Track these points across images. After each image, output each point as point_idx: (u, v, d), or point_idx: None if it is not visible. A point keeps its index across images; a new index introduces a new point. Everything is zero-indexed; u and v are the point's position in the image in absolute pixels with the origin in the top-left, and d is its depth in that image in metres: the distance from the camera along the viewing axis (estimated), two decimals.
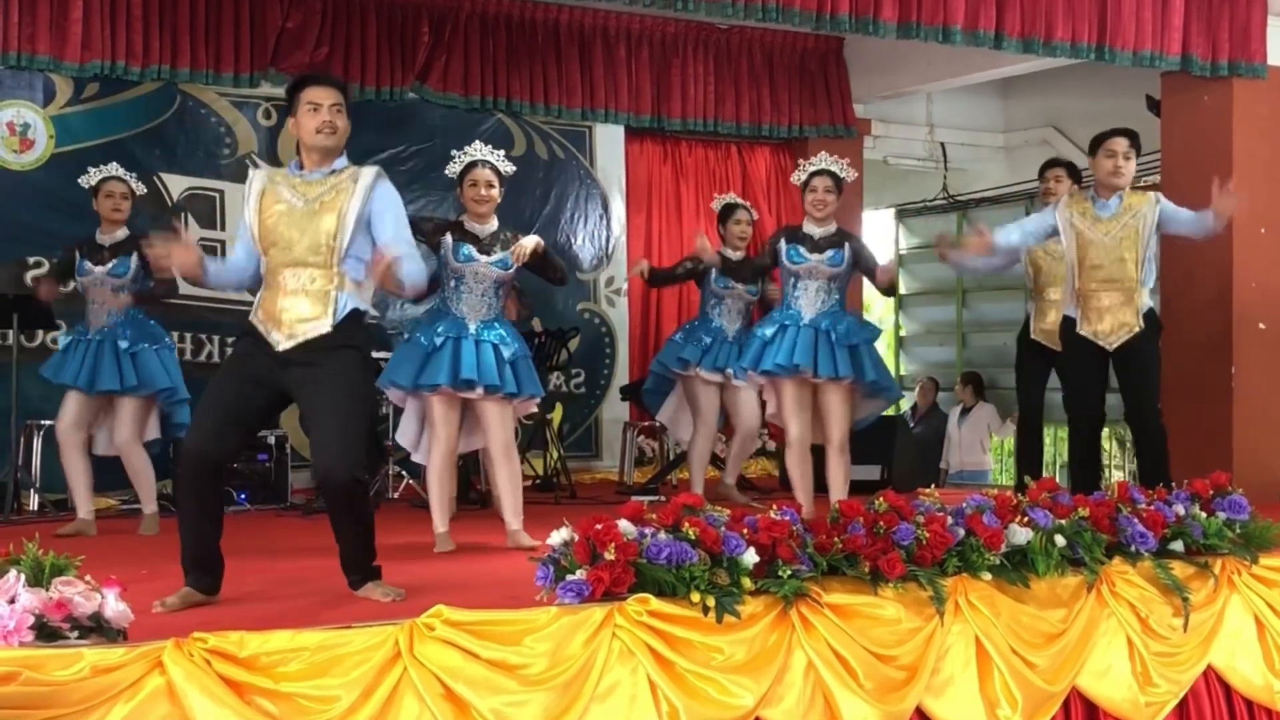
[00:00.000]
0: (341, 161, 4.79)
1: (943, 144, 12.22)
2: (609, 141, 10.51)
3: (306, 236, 4.66)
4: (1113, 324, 6.51)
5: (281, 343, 4.62)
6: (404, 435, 6.43)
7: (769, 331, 6.60)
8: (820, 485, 6.78)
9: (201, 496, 4.61)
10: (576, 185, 10.38)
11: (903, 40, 7.65)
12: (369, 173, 4.78)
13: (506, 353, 6.06)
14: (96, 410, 6.91)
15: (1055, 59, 8.43)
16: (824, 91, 10.83)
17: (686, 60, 10.37)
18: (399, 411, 6.70)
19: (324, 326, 4.62)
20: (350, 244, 4.68)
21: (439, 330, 6.05)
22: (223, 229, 9.05)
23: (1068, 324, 6.65)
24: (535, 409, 6.62)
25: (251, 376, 4.67)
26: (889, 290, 6.99)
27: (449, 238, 6.10)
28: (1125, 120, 6.85)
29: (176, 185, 8.95)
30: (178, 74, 8.71)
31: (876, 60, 10.59)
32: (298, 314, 4.64)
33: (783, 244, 6.67)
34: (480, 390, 6.01)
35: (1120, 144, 6.55)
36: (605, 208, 10.50)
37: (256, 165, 4.66)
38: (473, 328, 6.05)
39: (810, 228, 6.67)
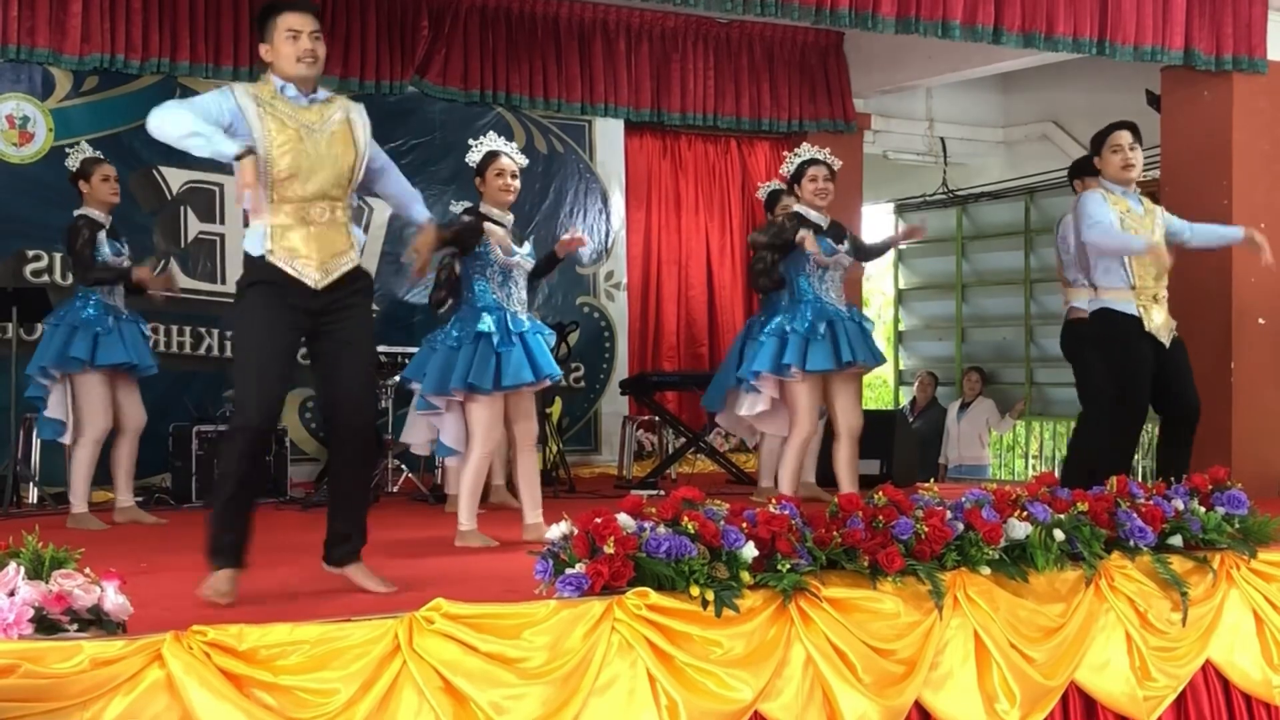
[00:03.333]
0: (324, 91, 4.67)
1: (942, 139, 12.22)
2: (608, 136, 10.49)
3: (327, 167, 4.52)
4: (1163, 319, 6.49)
5: (320, 280, 4.50)
6: (453, 438, 6.10)
7: (821, 328, 6.54)
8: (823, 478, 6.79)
9: (260, 470, 4.65)
10: (576, 179, 10.37)
11: (902, 35, 7.65)
12: (358, 106, 4.71)
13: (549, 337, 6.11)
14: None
15: (1055, 54, 8.42)
16: (824, 86, 10.82)
17: (686, 54, 10.37)
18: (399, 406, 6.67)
19: (354, 258, 4.58)
20: (361, 176, 4.65)
21: (491, 328, 5.94)
22: (222, 223, 9.03)
23: (1131, 321, 6.44)
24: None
25: (290, 325, 4.50)
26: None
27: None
28: (1125, 115, 6.84)
29: (176, 179, 8.93)
30: (177, 67, 8.70)
31: (876, 55, 10.58)
32: (332, 248, 4.53)
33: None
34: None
35: (1125, 136, 6.51)
36: (605, 202, 10.49)
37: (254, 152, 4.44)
38: (524, 321, 6.02)
39: (817, 218, 6.68)
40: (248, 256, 4.54)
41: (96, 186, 6.94)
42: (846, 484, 6.58)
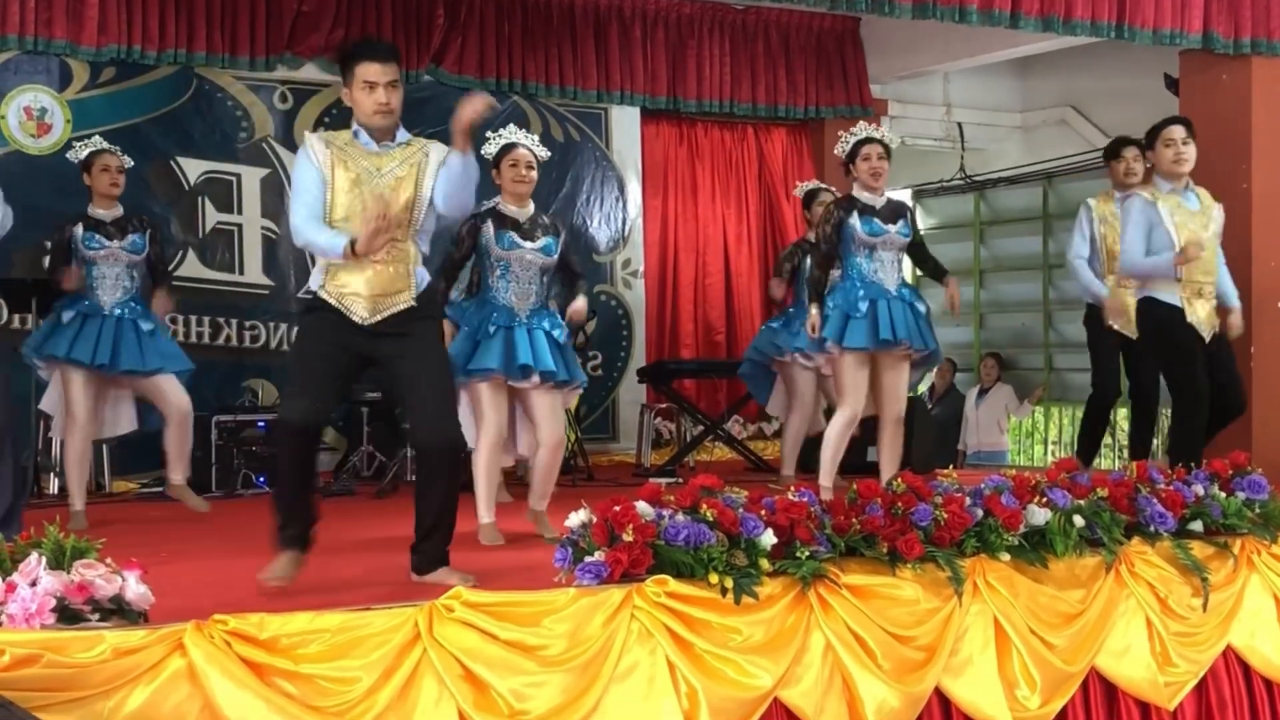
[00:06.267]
0: (404, 134, 4.78)
1: (960, 124, 12.17)
2: (625, 123, 10.48)
3: (390, 210, 4.58)
4: (1206, 314, 6.49)
5: (367, 319, 4.60)
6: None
7: (863, 307, 6.40)
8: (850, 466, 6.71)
9: (305, 465, 4.66)
10: (592, 168, 10.36)
11: (919, 20, 7.62)
12: (440, 149, 4.77)
13: (561, 336, 5.97)
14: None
15: (1074, 38, 8.38)
16: (840, 72, 10.80)
17: (702, 41, 10.35)
18: None
19: (409, 299, 4.64)
20: (424, 218, 4.70)
21: (491, 319, 5.90)
22: (239, 213, 9.05)
23: (1176, 312, 6.45)
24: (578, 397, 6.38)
25: (338, 343, 4.62)
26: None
27: (489, 227, 5.92)
28: (1144, 99, 6.83)
29: (193, 169, 8.95)
30: (194, 58, 8.74)
31: (893, 40, 10.55)
32: (383, 288, 4.61)
33: (855, 218, 6.45)
34: (536, 379, 5.85)
35: (1178, 131, 6.57)
36: (621, 190, 10.48)
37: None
38: (523, 316, 5.90)
39: (869, 199, 6.49)
40: (308, 288, 4.73)
41: (97, 178, 6.83)
42: (889, 469, 6.50)
